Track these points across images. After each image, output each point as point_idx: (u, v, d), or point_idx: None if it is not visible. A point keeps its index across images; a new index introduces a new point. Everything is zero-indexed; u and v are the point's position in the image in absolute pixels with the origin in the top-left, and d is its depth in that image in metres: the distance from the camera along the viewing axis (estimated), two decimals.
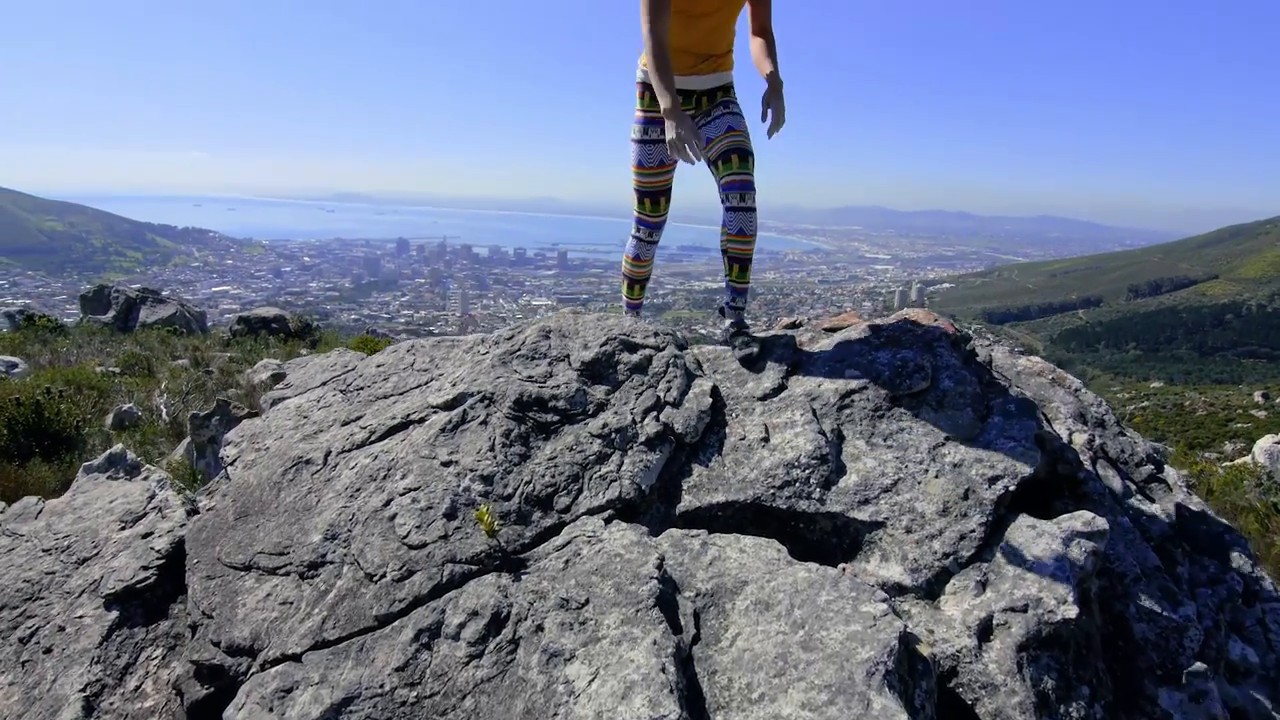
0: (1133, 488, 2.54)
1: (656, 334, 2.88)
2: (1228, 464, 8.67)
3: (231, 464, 2.91)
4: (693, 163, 2.54)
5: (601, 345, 2.77)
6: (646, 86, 2.76)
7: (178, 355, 6.03)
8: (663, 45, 2.53)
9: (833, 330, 3.12)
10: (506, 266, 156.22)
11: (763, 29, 2.76)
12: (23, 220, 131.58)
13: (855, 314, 3.34)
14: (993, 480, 2.21)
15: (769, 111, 2.65)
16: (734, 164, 2.74)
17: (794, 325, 3.42)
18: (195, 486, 3.27)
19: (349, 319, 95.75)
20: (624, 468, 2.34)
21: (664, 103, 2.48)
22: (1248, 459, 8.56)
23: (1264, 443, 8.76)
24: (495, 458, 2.35)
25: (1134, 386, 37.55)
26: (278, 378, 3.54)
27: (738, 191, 2.74)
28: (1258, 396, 28.79)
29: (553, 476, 2.30)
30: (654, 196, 2.98)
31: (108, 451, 3.53)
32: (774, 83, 2.68)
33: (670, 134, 2.45)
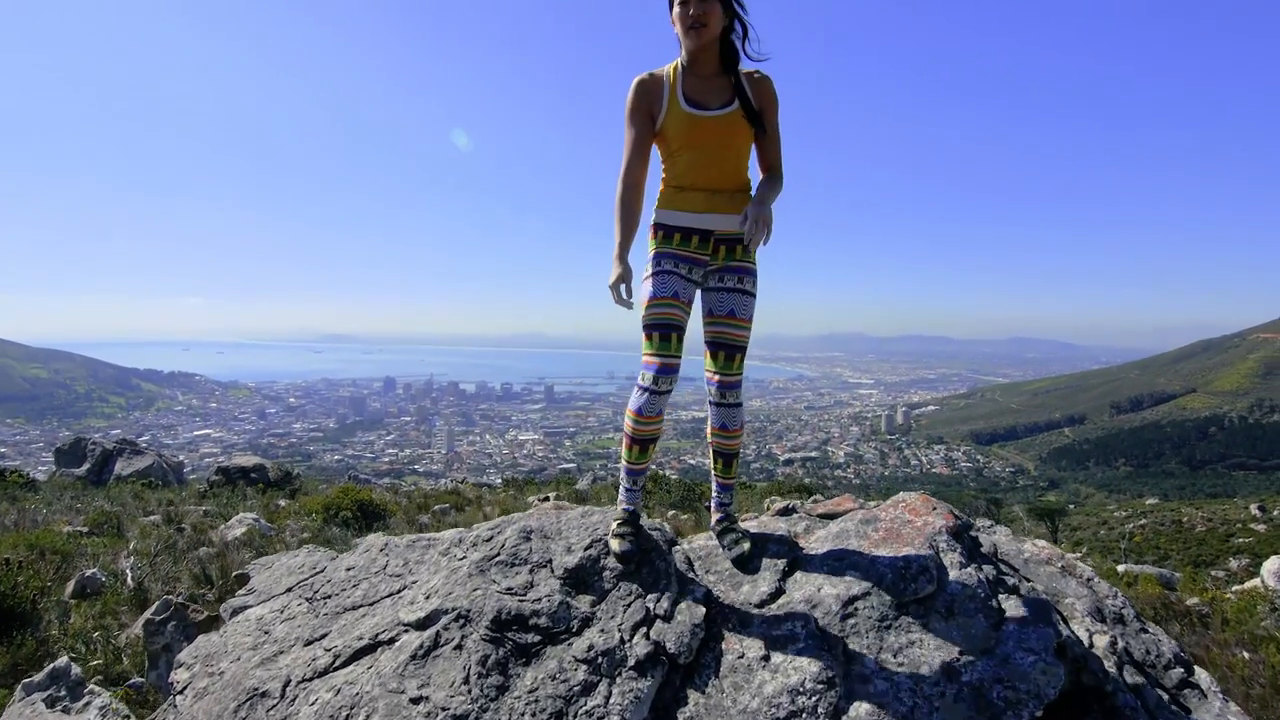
0: (1165, 697, 2.34)
1: (642, 533, 2.72)
2: (1238, 587, 8.36)
3: (180, 692, 2.65)
4: (627, 307, 2.49)
5: (586, 549, 2.61)
6: (659, 226, 2.67)
7: (150, 510, 5.76)
8: (631, 188, 2.54)
9: (828, 517, 2.99)
10: (493, 402, 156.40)
11: (770, 167, 2.68)
12: (8, 368, 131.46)
13: (850, 499, 3.22)
14: (1015, 705, 2.01)
15: (745, 215, 2.46)
16: (721, 361, 2.67)
17: (787, 511, 3.29)
18: (144, 715, 2.96)
19: (333, 460, 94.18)
20: (612, 700, 2.12)
21: (615, 242, 2.49)
22: (1257, 582, 8.27)
23: (1272, 564, 8.49)
24: (470, 692, 2.13)
25: (1129, 504, 37.11)
26: (241, 580, 3.31)
27: (721, 390, 2.69)
28: (1254, 509, 28.48)
29: (533, 715, 2.08)
30: (665, 331, 2.60)
31: (50, 667, 3.23)
32: (758, 194, 2.56)
33: (611, 276, 2.43)
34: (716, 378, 2.68)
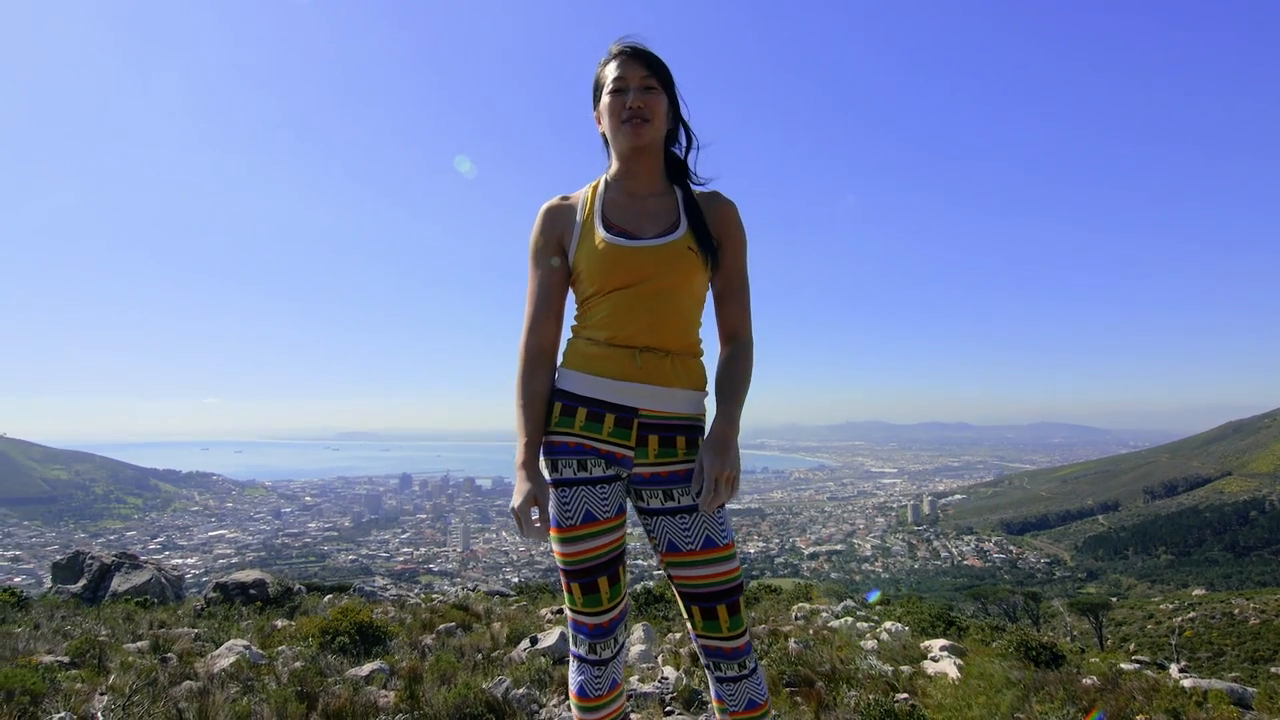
0: None
1: None
2: None
3: None
4: (540, 539, 1.65)
5: None
6: (559, 396, 1.78)
7: (140, 634, 5.40)
8: (534, 359, 1.77)
9: None
10: (510, 497, 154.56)
11: (733, 333, 1.83)
12: (28, 469, 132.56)
13: None
14: None
15: (701, 468, 1.65)
16: (721, 621, 1.69)
17: None
18: None
19: (346, 560, 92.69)
20: None
21: (518, 444, 1.70)
22: None
23: None
24: None
25: (1175, 596, 35.32)
26: None
27: (731, 660, 1.71)
28: None
29: None
30: (587, 578, 1.69)
31: None
32: (716, 430, 1.67)
33: (514, 499, 1.64)
34: (725, 645, 1.70)
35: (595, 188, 1.83)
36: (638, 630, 5.37)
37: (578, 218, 1.79)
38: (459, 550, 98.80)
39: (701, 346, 1.81)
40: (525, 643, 4.62)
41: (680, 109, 1.83)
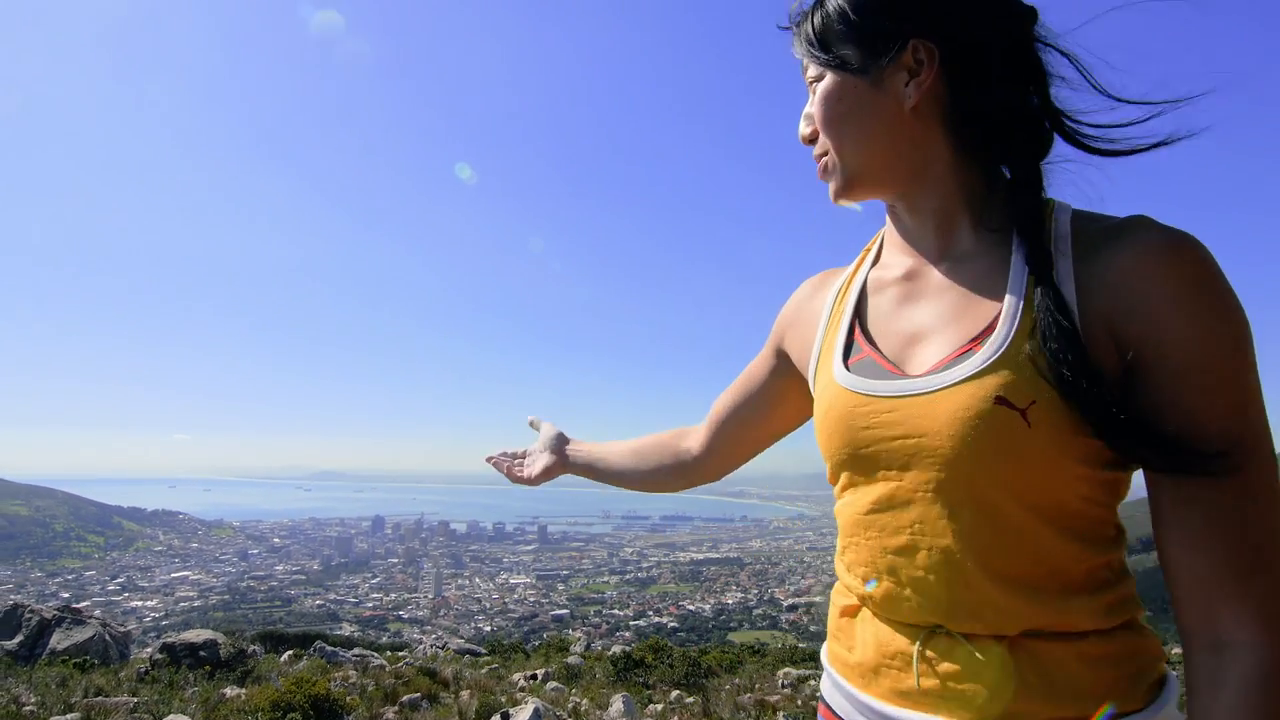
0: None
1: None
2: None
3: None
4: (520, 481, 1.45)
5: None
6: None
7: (73, 702, 4.94)
8: (668, 435, 1.31)
9: None
10: (484, 542, 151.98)
11: (1213, 620, 0.67)
12: None
13: None
14: None
15: None
16: None
17: None
18: None
19: (313, 605, 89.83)
20: None
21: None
22: None
23: None
24: None
25: None
26: None
27: None
28: None
29: None
30: None
31: None
32: None
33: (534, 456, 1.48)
34: None
35: (862, 259, 0.97)
36: (617, 702, 5.03)
37: (821, 321, 0.96)
38: (430, 596, 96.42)
39: (1118, 601, 0.77)
40: (496, 719, 4.26)
41: (963, 58, 0.77)
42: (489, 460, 1.47)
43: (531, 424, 1.49)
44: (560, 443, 1.42)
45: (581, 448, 1.40)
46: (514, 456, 1.46)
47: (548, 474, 1.40)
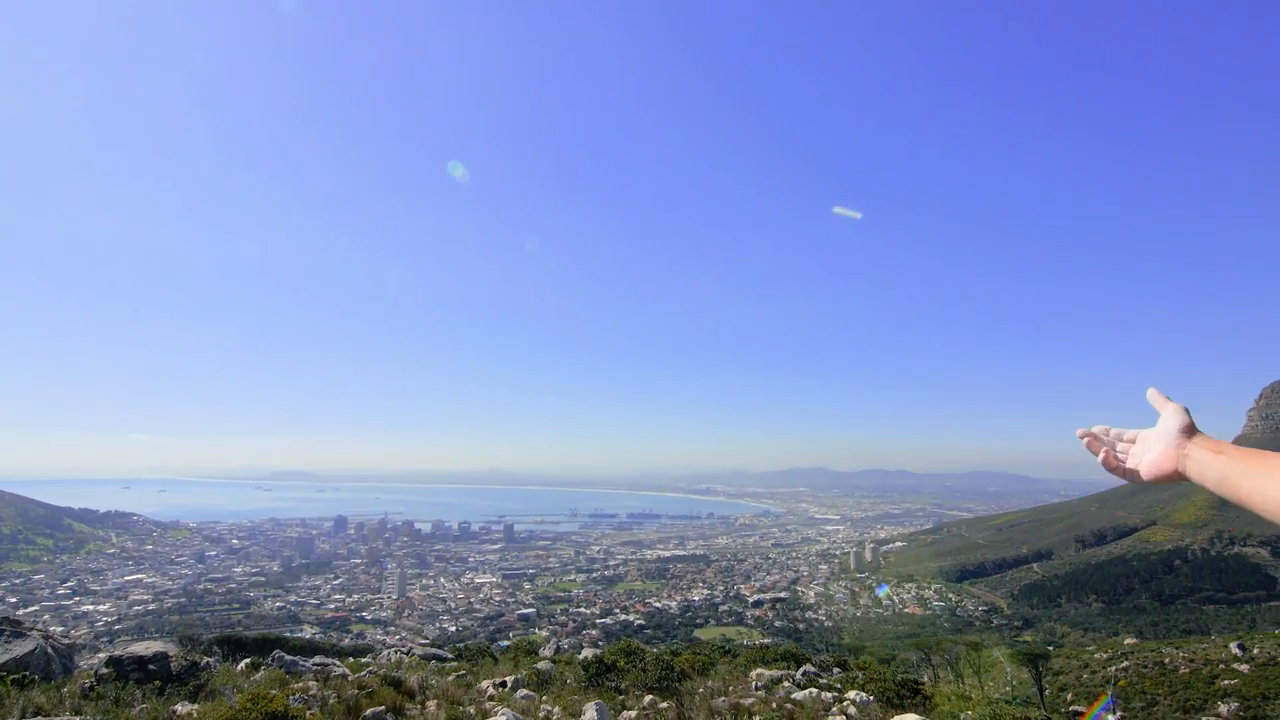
0: None
1: None
2: None
3: None
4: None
5: None
6: None
7: None
8: None
9: None
10: (450, 542, 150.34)
11: None
12: None
13: None
14: None
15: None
16: None
17: None
18: None
19: (273, 607, 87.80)
20: None
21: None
22: None
23: None
24: None
25: (1108, 644, 36.03)
26: None
27: None
28: (1234, 648, 27.63)
29: None
30: None
31: None
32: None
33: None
34: None
35: None
36: (590, 710, 4.87)
37: None
38: (394, 597, 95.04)
39: None
40: None
41: None
42: (1081, 435, 1.22)
43: (1151, 399, 1.20)
44: (1185, 435, 1.13)
45: (1213, 451, 1.11)
46: (1119, 437, 1.21)
47: (1157, 472, 1.14)
